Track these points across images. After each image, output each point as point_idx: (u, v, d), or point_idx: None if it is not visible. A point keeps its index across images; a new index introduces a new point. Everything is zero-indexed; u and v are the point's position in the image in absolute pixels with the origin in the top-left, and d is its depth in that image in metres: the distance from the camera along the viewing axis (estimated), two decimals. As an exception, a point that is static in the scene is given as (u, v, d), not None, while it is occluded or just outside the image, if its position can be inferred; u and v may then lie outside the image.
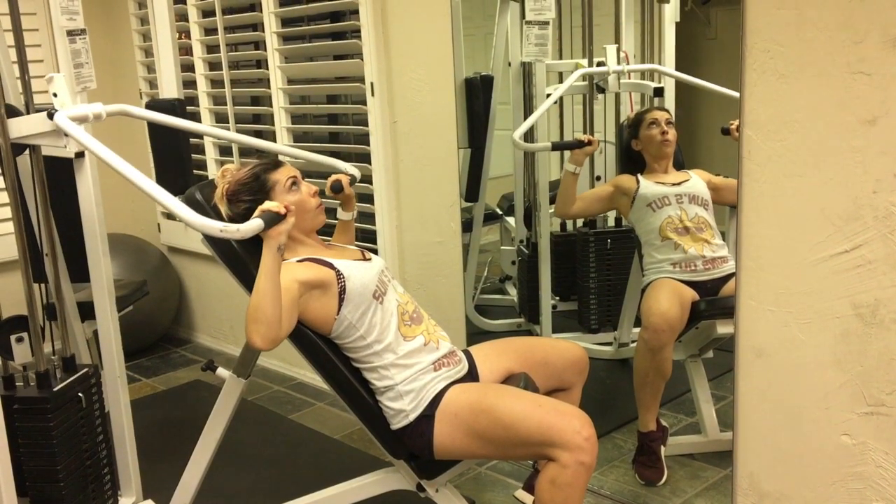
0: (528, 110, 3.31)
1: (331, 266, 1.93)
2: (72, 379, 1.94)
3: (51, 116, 1.82)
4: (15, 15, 1.96)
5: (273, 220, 1.76)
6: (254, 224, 1.71)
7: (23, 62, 1.99)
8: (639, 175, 2.73)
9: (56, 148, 1.99)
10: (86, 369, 2.00)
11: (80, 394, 1.96)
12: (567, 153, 2.96)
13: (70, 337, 2.18)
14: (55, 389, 1.89)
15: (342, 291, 1.90)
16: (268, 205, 1.79)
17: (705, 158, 2.88)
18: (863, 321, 1.64)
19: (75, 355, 2.06)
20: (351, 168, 2.29)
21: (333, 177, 2.15)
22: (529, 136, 3.13)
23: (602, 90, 2.95)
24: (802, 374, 1.75)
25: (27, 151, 2.01)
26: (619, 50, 2.89)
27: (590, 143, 2.76)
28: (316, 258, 1.95)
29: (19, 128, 1.89)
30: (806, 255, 1.69)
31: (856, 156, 1.59)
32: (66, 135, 1.83)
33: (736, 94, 1.75)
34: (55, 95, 1.87)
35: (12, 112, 1.91)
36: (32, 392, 1.89)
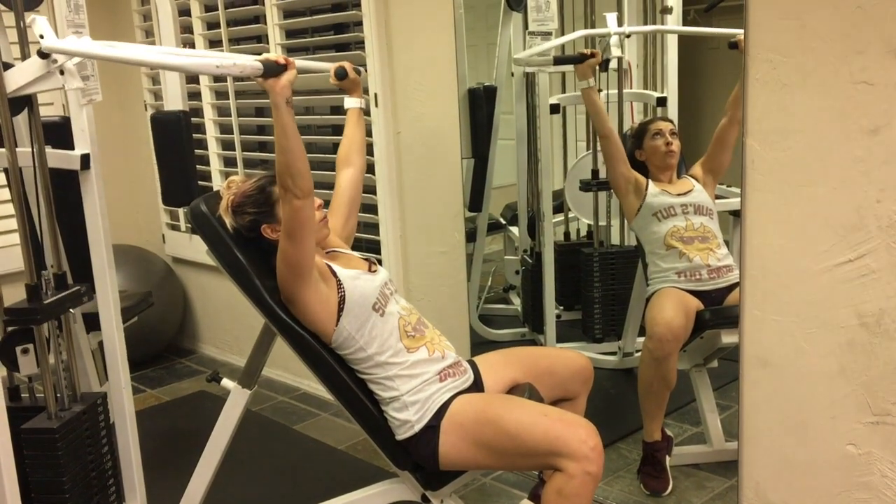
0: (531, 120, 3.32)
1: (334, 274, 1.93)
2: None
3: (42, 54, 1.79)
4: (21, 28, 1.97)
5: (273, 68, 1.70)
6: (254, 64, 1.66)
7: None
8: (649, 180, 2.72)
9: (62, 159, 2.00)
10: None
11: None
12: (570, 162, 2.97)
13: (75, 349, 2.18)
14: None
15: (341, 301, 1.90)
16: (267, 55, 1.75)
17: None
18: (868, 330, 1.64)
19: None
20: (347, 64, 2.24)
21: (337, 63, 2.14)
22: (533, 146, 3.12)
23: (606, 65, 2.90)
24: (808, 384, 1.75)
25: (32, 158, 2.01)
26: (619, 19, 2.86)
27: (592, 55, 2.72)
28: (325, 262, 1.96)
29: (15, 79, 1.85)
30: (810, 264, 1.69)
31: (859, 165, 1.59)
32: (61, 72, 1.79)
33: (739, 31, 1.72)
34: (41, 37, 1.82)
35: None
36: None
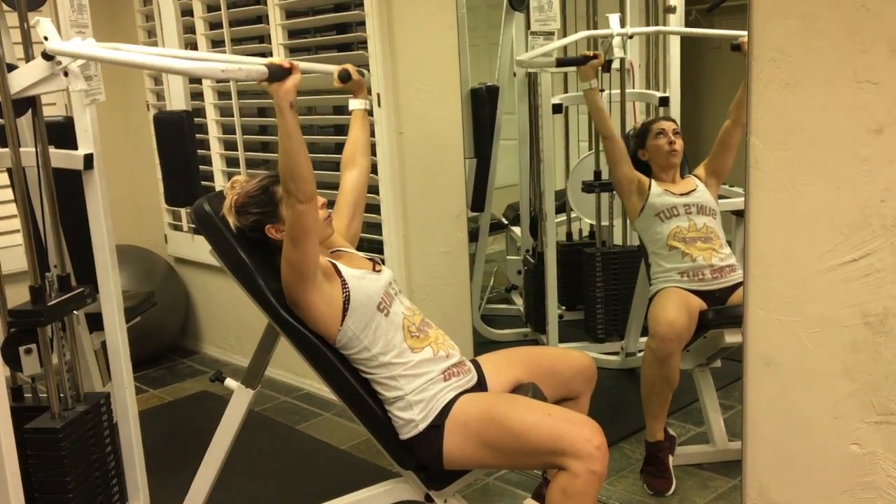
0: (533, 120, 3.32)
1: (339, 274, 1.93)
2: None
3: (46, 56, 1.79)
4: (24, 28, 1.97)
5: (278, 71, 1.71)
6: (258, 69, 1.66)
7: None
8: (652, 180, 2.72)
9: (65, 159, 2.01)
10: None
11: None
12: (573, 159, 2.97)
13: (78, 348, 2.18)
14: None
15: (346, 301, 1.90)
16: (272, 59, 1.75)
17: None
18: (872, 330, 1.64)
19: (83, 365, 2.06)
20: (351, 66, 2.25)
21: (341, 66, 2.15)
22: (535, 145, 3.13)
23: (609, 66, 2.91)
24: (811, 384, 1.75)
25: (35, 159, 2.02)
26: (621, 20, 2.87)
27: (595, 56, 2.74)
28: (328, 260, 1.96)
29: (19, 81, 1.86)
30: (814, 263, 1.69)
31: (863, 164, 1.59)
32: (65, 73, 1.80)
33: (742, 33, 1.72)
34: (45, 38, 1.83)
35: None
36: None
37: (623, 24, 2.86)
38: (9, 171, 1.93)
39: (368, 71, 2.81)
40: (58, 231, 2.06)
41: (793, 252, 1.71)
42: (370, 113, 2.34)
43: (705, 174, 2.71)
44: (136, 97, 3.98)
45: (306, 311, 1.90)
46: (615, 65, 2.95)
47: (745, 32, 1.71)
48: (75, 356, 2.04)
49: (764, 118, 1.70)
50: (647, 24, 3.10)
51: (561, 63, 2.93)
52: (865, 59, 1.54)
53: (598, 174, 3.11)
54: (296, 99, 1.75)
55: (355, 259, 2.08)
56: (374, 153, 2.91)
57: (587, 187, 3.12)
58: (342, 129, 3.33)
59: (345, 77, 2.15)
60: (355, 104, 2.25)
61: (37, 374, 1.97)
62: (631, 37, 2.86)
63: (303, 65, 2.16)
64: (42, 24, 1.84)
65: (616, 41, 2.80)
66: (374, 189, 2.89)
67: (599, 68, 2.78)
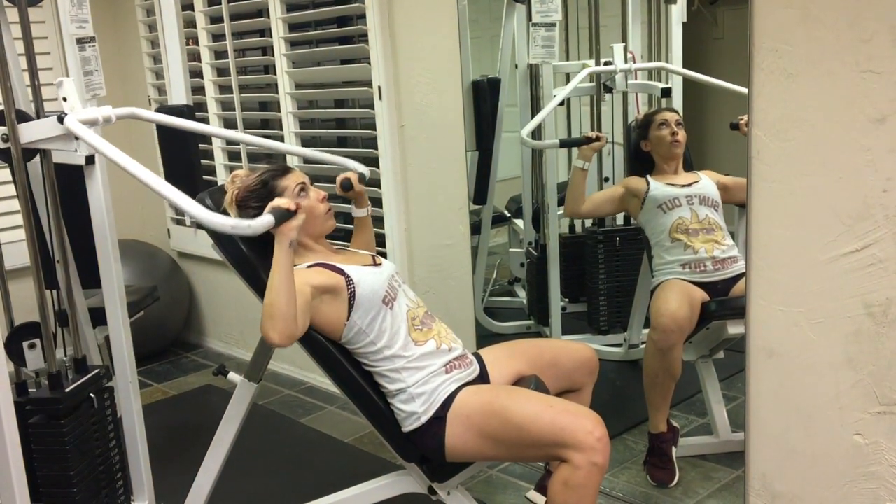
0: (535, 112, 3.30)
1: (341, 272, 1.93)
2: (83, 380, 1.95)
3: (61, 120, 1.82)
4: (25, 23, 1.97)
5: (283, 216, 1.75)
6: (264, 220, 1.70)
7: (33, 69, 2.01)
8: (648, 176, 2.73)
9: (67, 154, 2.01)
10: (97, 370, 2.01)
11: (91, 395, 1.96)
12: (575, 153, 2.96)
13: (82, 343, 2.19)
14: (67, 390, 1.90)
15: (352, 297, 1.91)
16: (278, 201, 1.79)
17: (714, 158, 2.88)
18: (874, 320, 1.64)
19: (87, 357, 2.07)
20: (360, 166, 2.27)
21: (342, 175, 2.15)
22: (537, 135, 3.13)
23: (609, 90, 2.95)
24: (814, 374, 1.75)
25: (37, 157, 2.02)
26: (626, 49, 2.89)
27: (598, 138, 2.76)
28: (326, 263, 1.95)
29: (30, 132, 1.89)
30: (816, 254, 1.69)
31: (865, 154, 1.58)
32: (76, 138, 1.83)
33: (744, 90, 1.74)
34: (65, 100, 1.88)
35: (23, 118, 1.92)
36: (44, 393, 1.90)
37: (624, 18, 2.86)
38: (10, 164, 1.94)
39: (368, 63, 2.81)
40: (60, 226, 2.06)
41: (795, 243, 1.71)
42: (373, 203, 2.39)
43: (718, 180, 2.69)
44: (137, 92, 3.98)
45: (313, 318, 1.90)
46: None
47: (745, 116, 1.73)
48: (78, 351, 2.04)
49: (766, 109, 1.70)
50: (649, 15, 3.09)
51: (564, 144, 3.02)
52: (867, 49, 1.54)
53: (599, 166, 3.10)
54: (296, 239, 1.80)
55: (355, 255, 2.08)
56: (375, 147, 2.91)
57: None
58: (344, 123, 3.33)
59: (346, 186, 2.14)
60: (358, 213, 2.26)
61: (41, 369, 1.97)
62: (635, 74, 2.88)
63: (311, 153, 2.24)
64: (65, 86, 1.87)
65: (619, 77, 2.83)
66: (375, 182, 2.89)
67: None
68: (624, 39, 2.90)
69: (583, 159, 2.78)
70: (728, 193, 2.66)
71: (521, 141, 3.06)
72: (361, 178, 2.20)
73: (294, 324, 1.76)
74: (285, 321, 1.74)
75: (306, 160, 3.07)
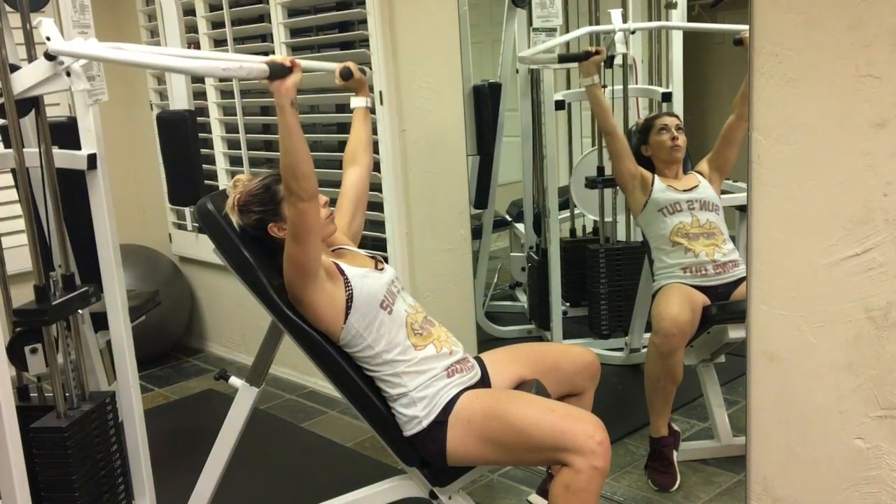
0: (536, 117, 3.31)
1: (341, 272, 1.94)
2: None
3: (49, 58, 1.79)
4: (27, 29, 1.98)
5: (279, 70, 1.71)
6: (259, 66, 1.67)
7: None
8: (655, 176, 2.72)
9: (69, 159, 2.01)
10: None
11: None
12: (576, 158, 2.97)
13: (83, 348, 2.19)
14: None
15: (349, 299, 1.91)
16: (273, 57, 1.75)
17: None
18: (875, 324, 1.64)
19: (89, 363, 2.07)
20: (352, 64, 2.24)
21: (342, 64, 2.15)
22: (537, 144, 3.13)
23: (611, 61, 2.91)
24: (815, 378, 1.75)
25: (39, 159, 2.02)
26: (623, 16, 2.87)
27: (597, 52, 2.74)
28: (332, 260, 1.96)
29: (22, 81, 1.86)
30: (817, 258, 1.69)
31: (865, 159, 1.59)
32: (68, 74, 1.80)
33: (744, 27, 1.72)
34: (48, 39, 1.84)
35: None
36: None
37: (625, 20, 2.86)
38: (13, 171, 1.94)
39: (371, 69, 2.82)
40: (62, 231, 2.06)
41: (795, 247, 1.71)
42: (372, 111, 2.35)
43: (709, 169, 2.71)
44: (139, 97, 3.98)
45: (309, 308, 1.90)
46: (618, 60, 2.94)
47: (748, 27, 1.71)
48: (80, 355, 2.04)
49: (766, 113, 1.70)
50: (650, 20, 3.09)
51: (563, 59, 2.93)
52: (867, 53, 1.54)
53: (601, 170, 3.10)
54: (297, 97, 1.75)
55: (357, 257, 2.09)
56: (376, 151, 2.92)
57: (590, 183, 3.12)
58: (345, 128, 3.33)
59: (346, 74, 2.15)
60: (357, 102, 2.25)
61: (42, 373, 1.98)
62: (633, 32, 2.86)
63: (304, 63, 2.16)
64: (44, 25, 1.85)
65: (618, 37, 2.80)
66: (376, 187, 2.89)
67: (601, 64, 2.78)
68: (625, 42, 2.90)
69: (588, 75, 2.74)
70: (718, 162, 2.66)
71: (519, 59, 3.03)
72: (361, 70, 2.20)
73: (314, 181, 1.78)
74: (308, 179, 1.76)
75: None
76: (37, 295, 1.90)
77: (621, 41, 2.81)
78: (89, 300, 2.02)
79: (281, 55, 1.68)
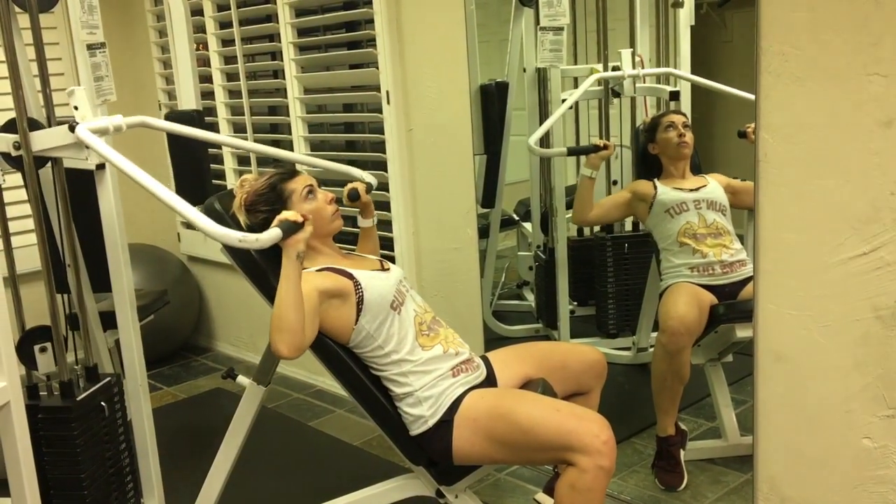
0: (543, 116, 3.31)
1: (349, 276, 1.94)
2: (94, 388, 1.96)
3: (72, 129, 1.85)
4: (36, 29, 1.99)
5: (291, 228, 1.78)
6: (272, 234, 1.73)
7: (44, 76, 2.02)
8: (656, 180, 2.72)
9: (78, 160, 2.02)
10: (108, 378, 2.02)
11: (102, 403, 1.98)
12: (583, 158, 2.97)
13: (92, 346, 2.20)
14: (78, 399, 1.91)
15: (360, 302, 1.91)
16: (285, 214, 1.82)
17: (722, 161, 2.87)
18: (883, 324, 1.63)
19: (98, 365, 2.08)
20: (367, 175, 2.31)
21: (349, 185, 2.17)
22: (545, 141, 3.13)
23: (617, 94, 2.95)
24: (823, 378, 1.74)
25: (49, 163, 2.04)
26: (633, 54, 2.89)
27: (605, 147, 2.76)
28: (335, 268, 1.96)
29: (42, 141, 1.92)
30: (825, 257, 1.68)
31: (873, 158, 1.58)
32: (87, 147, 1.86)
33: (751, 97, 1.75)
34: (76, 108, 1.90)
35: (34, 125, 1.94)
36: (56, 401, 1.91)
37: (632, 22, 2.86)
38: (22, 171, 1.95)
39: (377, 67, 2.82)
40: (71, 231, 2.07)
41: (803, 246, 1.71)
42: (376, 209, 2.40)
43: (724, 185, 2.69)
44: (147, 97, 4.00)
45: (321, 322, 1.91)
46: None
47: (753, 124, 1.72)
48: (89, 355, 2.05)
49: (773, 112, 1.70)
50: (657, 19, 3.09)
51: (572, 152, 3.02)
52: (875, 52, 1.54)
53: (607, 166, 3.10)
54: (304, 250, 1.81)
55: (364, 260, 2.09)
56: (383, 151, 2.92)
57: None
58: (352, 127, 3.34)
59: (353, 196, 2.16)
60: (364, 223, 2.28)
61: (51, 372, 1.99)
62: (644, 79, 2.88)
63: (322, 163, 2.25)
64: (76, 95, 1.90)
65: (627, 82, 2.83)
66: (383, 186, 2.90)
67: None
68: (632, 44, 2.90)
69: (591, 168, 2.78)
70: (736, 197, 2.65)
71: (529, 149, 3.06)
72: (368, 188, 2.22)
73: (302, 335, 1.78)
74: (293, 334, 1.76)
75: (313, 168, 3.08)
76: (62, 390, 1.92)
77: (629, 87, 2.84)
78: (112, 391, 2.03)
79: (292, 213, 1.76)
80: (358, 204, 2.19)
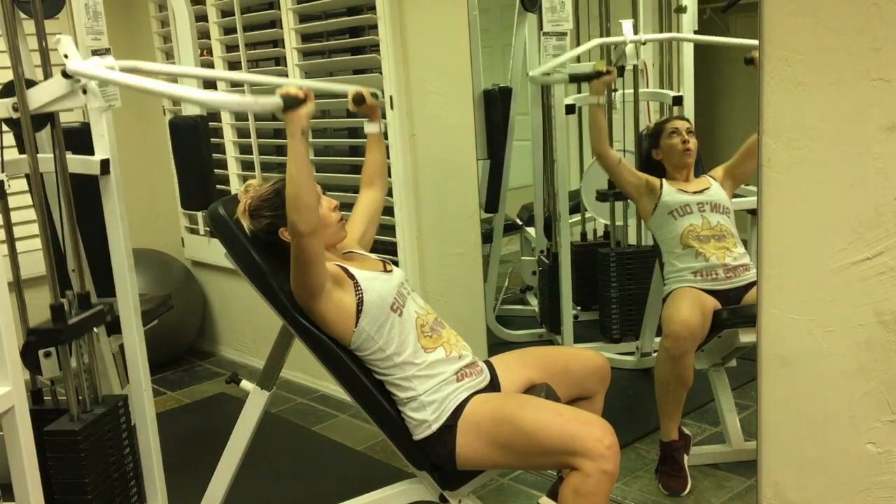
0: (546, 121, 3.32)
1: (351, 276, 1.94)
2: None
3: (65, 75, 1.82)
4: (41, 34, 2.00)
5: (292, 101, 1.73)
6: (273, 100, 1.69)
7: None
8: (663, 180, 2.72)
9: (82, 164, 2.03)
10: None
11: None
12: (586, 165, 2.97)
13: (96, 352, 2.20)
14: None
15: (360, 303, 1.92)
16: (286, 88, 1.77)
17: (725, 166, 2.87)
18: (886, 329, 1.63)
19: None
20: (364, 89, 2.25)
21: (354, 89, 2.16)
22: (548, 150, 3.14)
23: (621, 70, 2.91)
24: (826, 383, 1.74)
25: (53, 165, 2.04)
26: (634, 27, 2.87)
27: (608, 72, 2.75)
28: (338, 264, 1.97)
29: (38, 97, 1.88)
30: (828, 262, 1.68)
31: (876, 163, 1.58)
32: (84, 92, 1.83)
33: (754, 42, 1.72)
34: (66, 56, 1.86)
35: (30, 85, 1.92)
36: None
37: (636, 30, 2.86)
38: (27, 176, 1.96)
39: (380, 72, 2.83)
40: (75, 236, 2.08)
41: (806, 251, 1.71)
42: (385, 136, 2.35)
43: (722, 176, 2.70)
44: (152, 102, 4.01)
45: (318, 318, 1.92)
46: (628, 67, 2.95)
47: (757, 42, 1.71)
48: (93, 359, 2.06)
49: (776, 117, 1.70)
50: (661, 25, 3.09)
51: (574, 78, 2.96)
52: (878, 57, 1.54)
53: (612, 183, 3.10)
54: (308, 126, 1.77)
55: (367, 261, 2.10)
56: (387, 156, 2.92)
57: (601, 196, 3.13)
58: (356, 132, 3.35)
59: (359, 100, 2.15)
60: (370, 128, 2.26)
61: (56, 376, 1.99)
62: (644, 43, 2.86)
63: (317, 85, 2.19)
64: (63, 43, 1.88)
65: (629, 48, 2.81)
66: (387, 191, 2.90)
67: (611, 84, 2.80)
68: (636, 55, 2.90)
69: (595, 94, 2.75)
70: (736, 171, 2.65)
71: (530, 79, 3.04)
72: (374, 95, 2.20)
73: (317, 212, 1.80)
74: (310, 211, 1.77)
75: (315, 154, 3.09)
76: (53, 314, 1.92)
77: (632, 53, 2.82)
78: (104, 318, 2.03)
79: (295, 81, 1.71)
80: (364, 108, 2.18)
